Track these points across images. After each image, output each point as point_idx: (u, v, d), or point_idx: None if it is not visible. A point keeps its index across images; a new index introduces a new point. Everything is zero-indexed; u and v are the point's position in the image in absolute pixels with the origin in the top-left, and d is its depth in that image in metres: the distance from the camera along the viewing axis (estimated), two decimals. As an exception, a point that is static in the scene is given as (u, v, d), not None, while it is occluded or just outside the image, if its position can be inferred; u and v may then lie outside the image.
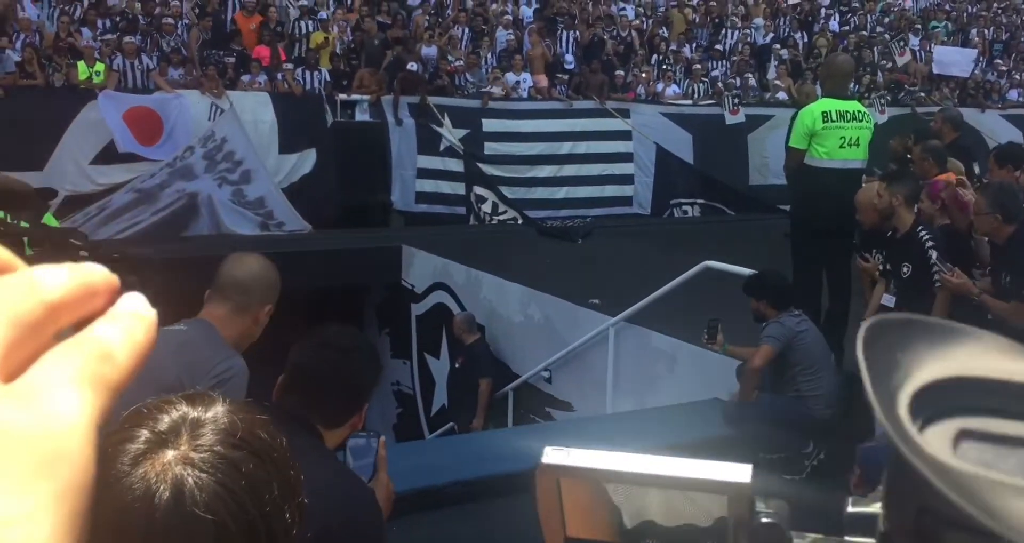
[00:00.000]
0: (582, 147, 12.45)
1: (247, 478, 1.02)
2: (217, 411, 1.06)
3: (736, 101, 13.28)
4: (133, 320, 0.34)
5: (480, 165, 11.78)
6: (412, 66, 11.67)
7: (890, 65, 15.27)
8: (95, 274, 0.34)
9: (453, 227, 11.24)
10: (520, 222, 11.59)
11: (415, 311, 9.41)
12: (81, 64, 10.49)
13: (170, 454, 1.01)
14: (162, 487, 0.98)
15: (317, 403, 2.10)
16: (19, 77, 10.30)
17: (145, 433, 1.02)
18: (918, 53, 15.79)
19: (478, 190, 11.70)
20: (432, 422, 8.99)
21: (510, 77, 12.38)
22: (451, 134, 11.66)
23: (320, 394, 2.10)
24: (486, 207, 11.70)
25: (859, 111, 5.72)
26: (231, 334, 2.55)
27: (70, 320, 0.32)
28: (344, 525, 1.89)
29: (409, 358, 9.48)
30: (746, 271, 5.75)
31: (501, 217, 11.73)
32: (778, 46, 15.10)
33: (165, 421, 1.04)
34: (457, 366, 8.23)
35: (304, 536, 1.09)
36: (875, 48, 15.69)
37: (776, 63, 14.56)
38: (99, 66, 10.55)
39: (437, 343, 8.97)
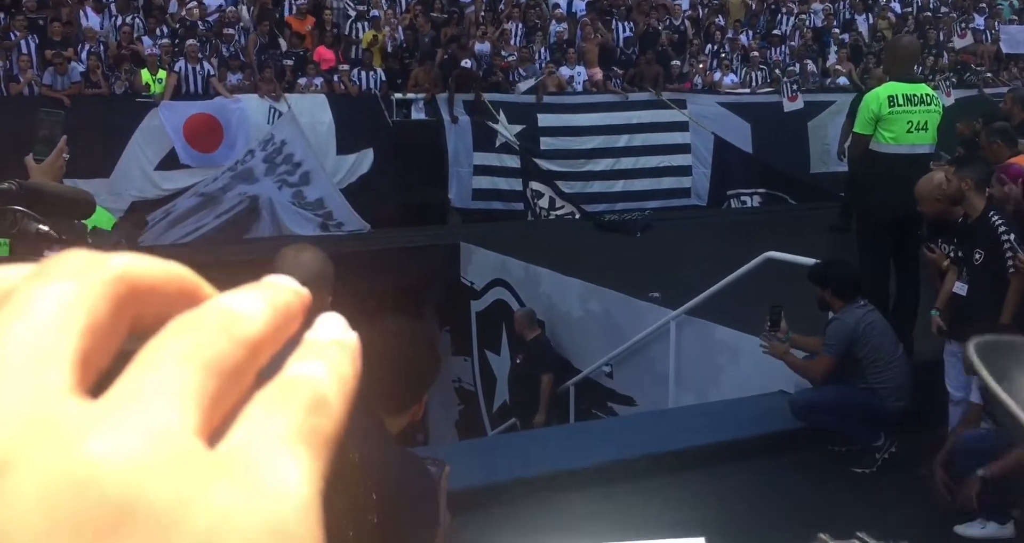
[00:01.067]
0: (638, 139, 12.35)
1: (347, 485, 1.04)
2: None
3: (795, 87, 13.05)
4: (337, 351, 0.28)
5: (536, 160, 11.76)
6: (466, 63, 11.70)
7: (954, 45, 14.87)
8: (290, 294, 0.28)
9: (511, 223, 11.24)
10: (577, 216, 11.54)
11: (475, 308, 9.43)
12: (144, 72, 10.72)
13: None
14: None
15: (378, 389, 2.13)
16: (84, 86, 10.57)
17: None
18: (984, 33, 15.33)
19: (535, 185, 11.68)
20: (494, 419, 9.01)
21: (564, 71, 12.33)
22: (506, 130, 11.65)
23: (381, 381, 2.13)
24: (543, 202, 11.68)
25: (927, 94, 5.56)
26: None
27: (270, 355, 0.27)
28: (400, 507, 1.92)
29: (470, 355, 9.51)
30: (809, 261, 5.64)
31: (558, 212, 11.70)
32: (838, 30, 14.79)
33: None
34: (518, 362, 8.23)
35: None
36: (939, 29, 15.28)
37: (836, 47, 14.27)
38: (161, 73, 10.77)
39: (497, 339, 8.98)
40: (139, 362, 0.24)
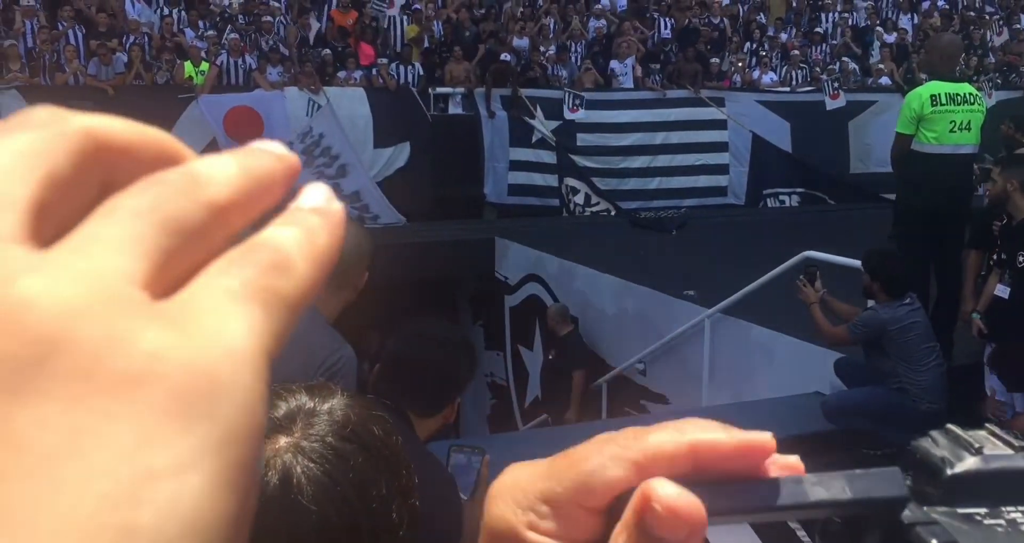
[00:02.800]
0: (676, 137, 12.29)
1: (355, 472, 1.01)
2: (334, 403, 1.06)
3: (836, 86, 12.91)
4: (316, 219, 0.27)
5: (572, 156, 11.75)
6: (505, 57, 11.71)
7: (994, 43, 14.62)
8: (270, 159, 0.28)
9: (546, 219, 11.23)
10: (613, 213, 11.51)
11: (508, 303, 9.44)
12: (188, 64, 10.86)
13: (282, 440, 1.01)
14: (271, 473, 0.98)
15: (411, 391, 2.13)
16: (127, 77, 10.73)
17: None
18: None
19: (570, 181, 11.67)
20: (526, 414, 9.02)
21: (615, 64, 12.30)
22: (543, 125, 11.65)
23: (415, 382, 2.13)
24: (578, 198, 11.66)
25: (970, 93, 5.48)
26: (333, 311, 2.57)
27: (243, 223, 0.26)
28: (431, 525, 1.91)
29: (503, 350, 9.53)
30: (848, 261, 5.58)
31: (594, 208, 11.68)
32: (881, 29, 14.60)
33: (282, 408, 1.04)
34: (550, 358, 8.23)
35: (418, 538, 1.09)
36: (984, 28, 15.03)
37: (879, 46, 14.09)
38: (204, 65, 10.90)
39: (531, 335, 8.99)
40: (94, 216, 0.24)
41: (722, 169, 12.53)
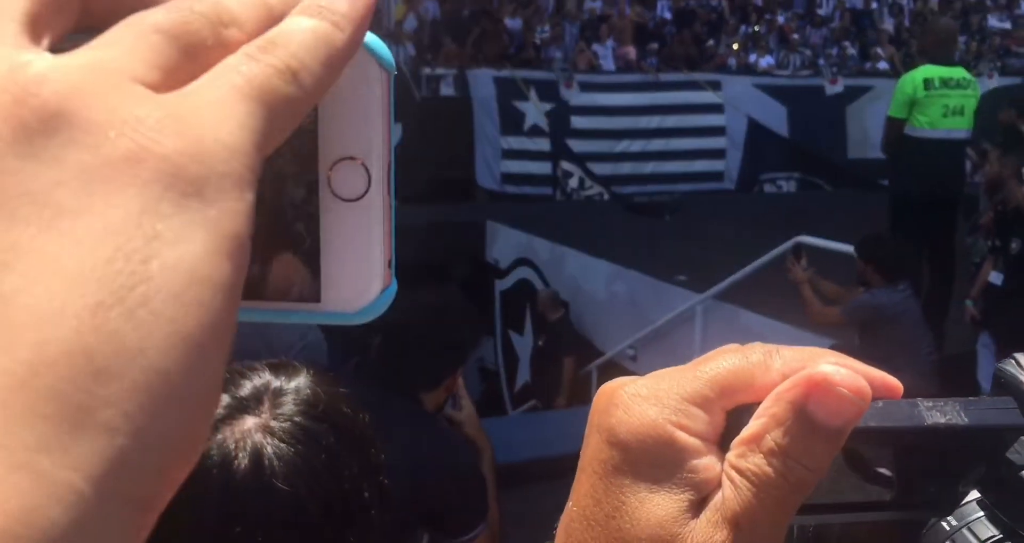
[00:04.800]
0: (671, 121, 12.20)
1: (327, 452, 1.00)
2: (300, 381, 1.05)
3: (834, 70, 12.81)
4: (343, 6, 0.28)
5: (567, 140, 11.66)
6: (500, 38, 11.60)
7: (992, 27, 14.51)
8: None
9: (538, 203, 11.16)
10: (607, 198, 11.44)
11: (499, 287, 9.38)
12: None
13: (250, 421, 0.99)
14: (241, 455, 0.97)
15: (411, 363, 2.08)
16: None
17: (226, 398, 1.00)
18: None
19: (564, 165, 11.59)
20: (516, 398, 8.98)
21: (596, 49, 12.19)
22: (537, 107, 11.55)
23: (414, 353, 2.08)
24: (572, 182, 11.58)
25: (964, 78, 5.40)
26: None
27: (258, 26, 0.28)
28: (447, 493, 1.91)
29: (493, 334, 9.47)
30: (841, 247, 5.50)
31: (587, 192, 11.60)
32: (879, 13, 14.49)
33: (247, 387, 1.02)
34: (541, 343, 8.18)
35: (392, 517, 1.08)
36: (983, 13, 14.92)
37: (877, 30, 13.99)
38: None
39: (521, 319, 8.94)
40: (116, 26, 0.26)
41: (719, 154, 12.44)
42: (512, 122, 11.50)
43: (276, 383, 1.04)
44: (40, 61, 0.25)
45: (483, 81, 11.37)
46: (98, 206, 0.24)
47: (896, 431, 0.42)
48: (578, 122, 11.80)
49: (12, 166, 0.24)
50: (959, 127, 5.37)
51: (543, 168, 11.60)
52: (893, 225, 5.78)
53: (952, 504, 0.45)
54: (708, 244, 8.59)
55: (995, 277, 4.77)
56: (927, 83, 5.32)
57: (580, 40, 12.37)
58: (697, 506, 0.41)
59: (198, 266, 0.24)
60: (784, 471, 0.40)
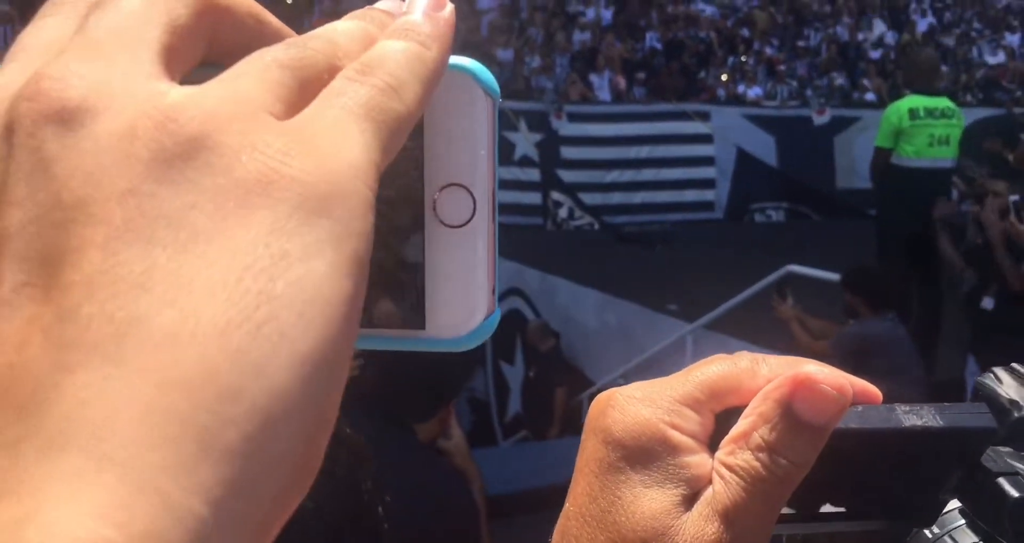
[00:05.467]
0: (661, 151, 12.28)
1: (345, 468, 1.03)
2: None
3: (821, 101, 12.94)
4: (426, 29, 0.31)
5: (557, 170, 11.71)
6: (490, 69, 11.69)
7: (986, 61, 14.69)
8: (382, 16, 0.31)
9: (528, 232, 11.18)
10: (597, 227, 11.47)
11: (490, 317, 9.35)
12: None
13: None
14: None
15: (402, 396, 2.09)
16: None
17: None
18: (1016, 50, 15.14)
19: (555, 195, 11.63)
20: (507, 429, 8.93)
21: (593, 79, 12.30)
22: (527, 138, 11.61)
23: (406, 385, 2.08)
24: (563, 212, 11.62)
25: (948, 108, 5.47)
26: None
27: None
28: (440, 523, 1.91)
29: (483, 364, 9.44)
30: (831, 276, 5.52)
31: (577, 222, 11.63)
32: (867, 45, 14.67)
33: None
34: (532, 374, 8.15)
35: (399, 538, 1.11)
36: (968, 45, 15.11)
37: (864, 63, 14.15)
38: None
39: (511, 349, 8.91)
40: (243, 61, 0.28)
41: (708, 184, 12.51)
42: (502, 153, 11.49)
43: None
44: (176, 91, 0.26)
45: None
46: (230, 227, 0.25)
47: (874, 433, 0.43)
48: (568, 152, 11.87)
49: (150, 189, 0.25)
50: (945, 156, 5.43)
51: (533, 198, 11.64)
52: (881, 253, 5.81)
53: (934, 513, 0.45)
54: (698, 273, 8.60)
55: (987, 302, 4.79)
56: (912, 113, 5.38)
57: (571, 71, 12.47)
58: (689, 501, 0.43)
59: (322, 285, 0.25)
60: (771, 466, 0.42)
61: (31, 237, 0.24)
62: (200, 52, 0.29)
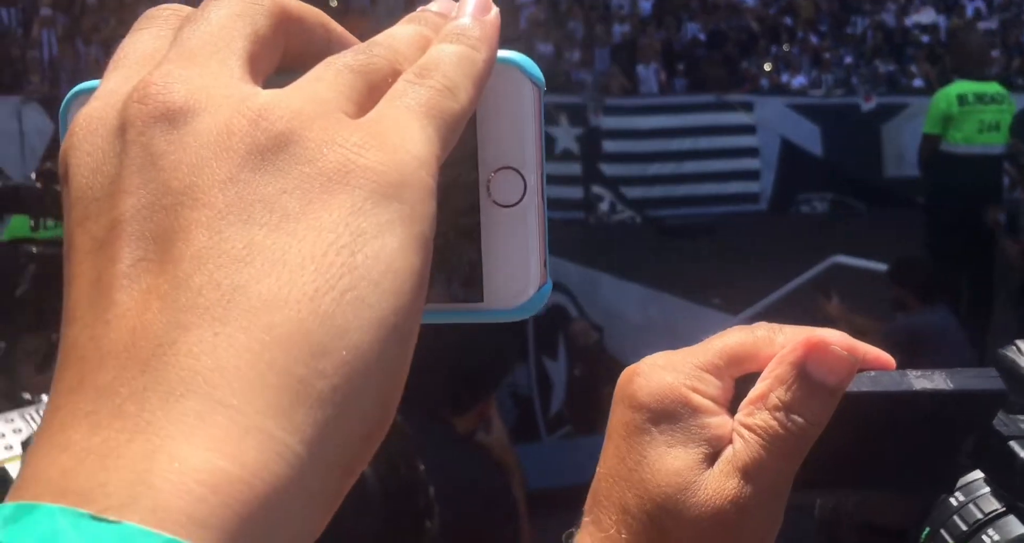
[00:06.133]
0: (703, 142, 12.15)
1: (401, 450, 1.08)
2: None
3: (868, 89, 12.71)
4: (476, 32, 0.34)
5: (598, 164, 11.65)
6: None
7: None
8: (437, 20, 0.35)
9: (569, 227, 11.14)
10: (639, 221, 11.40)
11: (532, 312, 9.35)
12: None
13: None
14: None
15: (439, 388, 2.10)
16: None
17: None
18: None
19: (595, 189, 11.58)
20: (550, 424, 8.91)
21: (639, 70, 12.21)
22: (567, 133, 11.57)
23: (440, 379, 2.09)
24: (603, 206, 11.56)
25: (998, 93, 5.34)
26: None
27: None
28: (479, 517, 1.94)
29: (526, 360, 9.43)
30: (879, 267, 5.42)
31: (619, 216, 11.56)
32: (915, 31, 14.38)
33: None
34: (575, 369, 8.13)
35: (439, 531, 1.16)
36: (1021, 29, 14.74)
37: (913, 49, 13.87)
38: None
39: (554, 345, 8.88)
40: (317, 67, 0.32)
41: (753, 175, 12.36)
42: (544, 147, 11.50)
43: None
44: (265, 93, 0.30)
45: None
46: (315, 209, 0.28)
47: (886, 395, 0.45)
48: (609, 146, 11.80)
49: (247, 177, 0.29)
50: (995, 142, 5.30)
51: (574, 192, 11.59)
52: (929, 243, 5.68)
53: (952, 480, 0.47)
54: (742, 266, 8.49)
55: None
56: (961, 99, 5.26)
57: (612, 63, 12.39)
58: (711, 459, 0.47)
59: (395, 258, 0.29)
60: (788, 424, 0.45)
61: (144, 220, 0.28)
62: (278, 58, 0.33)
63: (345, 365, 0.27)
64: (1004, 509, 0.45)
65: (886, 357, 0.48)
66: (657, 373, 0.48)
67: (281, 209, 0.28)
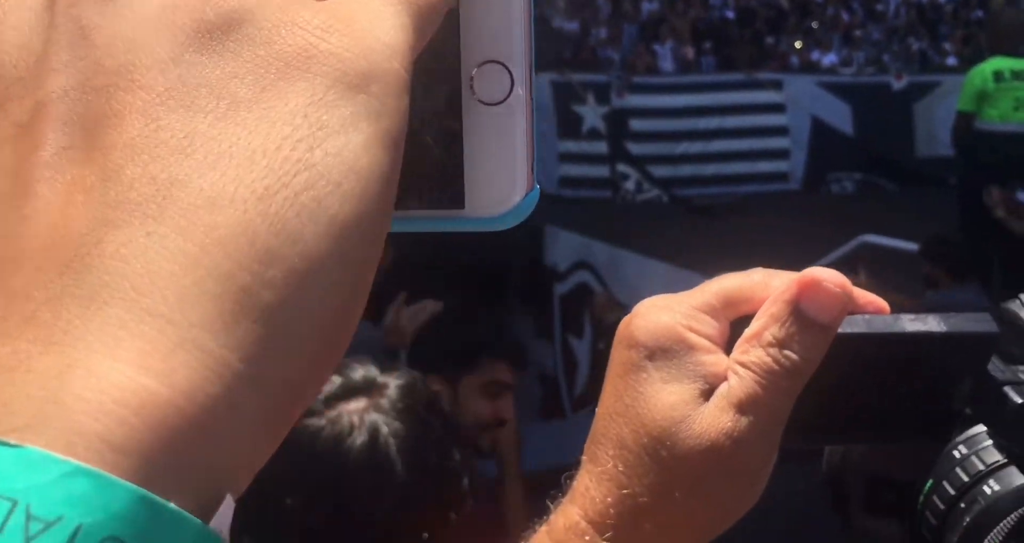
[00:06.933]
0: (731, 121, 12.04)
1: (435, 436, 1.07)
2: (406, 376, 1.13)
3: (899, 66, 12.53)
4: None
5: (625, 143, 11.59)
6: (556, 41, 11.59)
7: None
8: None
9: (596, 205, 11.12)
10: (665, 200, 11.34)
11: (558, 291, 9.35)
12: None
13: (364, 401, 1.05)
14: (357, 431, 1.01)
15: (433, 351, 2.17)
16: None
17: (338, 379, 1.07)
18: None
19: (621, 168, 11.52)
20: (576, 402, 8.93)
21: (656, 49, 12.10)
22: (594, 111, 11.50)
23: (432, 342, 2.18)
24: (629, 184, 11.51)
25: (1035, 70, 5.23)
26: None
27: None
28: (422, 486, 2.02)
29: (552, 339, 9.44)
30: (909, 246, 5.36)
31: (645, 195, 11.51)
32: (948, 7, 14.13)
33: (358, 373, 1.10)
34: (600, 347, 8.13)
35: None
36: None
37: (947, 26, 13.64)
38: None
39: (580, 323, 8.89)
40: None
41: (783, 154, 12.24)
42: (569, 126, 11.46)
43: (382, 375, 1.10)
44: None
45: (539, 85, 11.33)
46: (270, 98, 0.25)
47: (879, 336, 0.45)
48: (637, 124, 11.72)
49: (192, 58, 0.25)
50: (1032, 120, 5.20)
51: (601, 171, 11.54)
52: (962, 223, 5.61)
53: (946, 428, 0.47)
54: (770, 246, 8.40)
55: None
56: (997, 75, 5.17)
57: (639, 41, 12.28)
58: (706, 395, 0.47)
59: (359, 156, 0.26)
60: (782, 360, 0.46)
61: (73, 102, 0.25)
62: None
63: (297, 274, 0.24)
64: (1006, 460, 0.45)
65: (881, 301, 0.49)
66: (654, 313, 0.49)
67: (230, 95, 0.25)
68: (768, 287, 0.49)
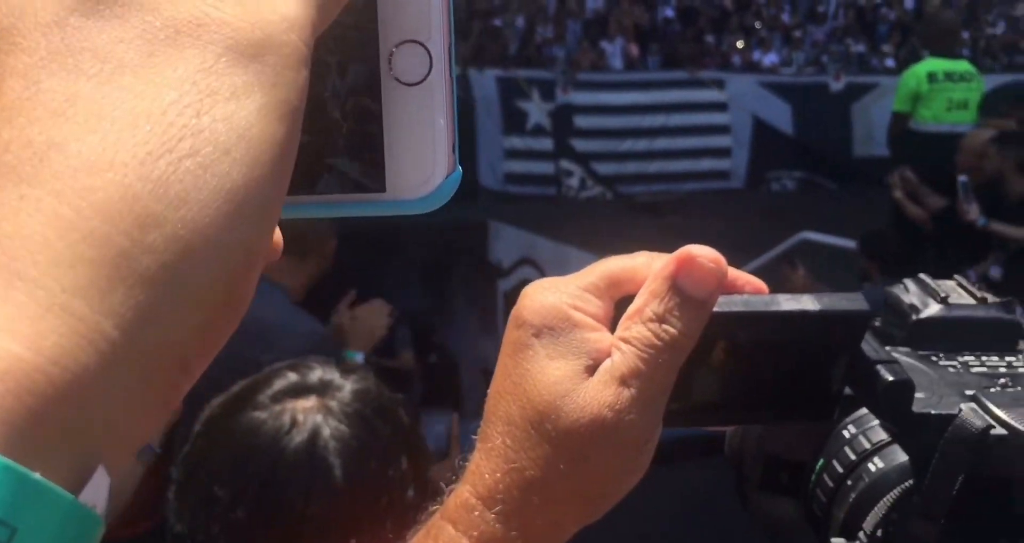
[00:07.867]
0: (675, 119, 12.15)
1: (380, 442, 1.03)
2: (363, 379, 1.11)
3: (838, 67, 12.76)
4: None
5: (570, 140, 11.62)
6: (502, 38, 11.57)
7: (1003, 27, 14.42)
8: None
9: (540, 202, 11.14)
10: (609, 197, 11.41)
11: (502, 287, 9.34)
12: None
13: (313, 400, 1.03)
14: (298, 429, 1.00)
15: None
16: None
17: (293, 376, 1.06)
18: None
19: (565, 164, 11.56)
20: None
21: (604, 46, 12.16)
22: (539, 107, 11.51)
23: None
24: (573, 181, 11.55)
25: (967, 71, 5.37)
26: (300, 285, 2.46)
27: None
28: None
29: (496, 334, 9.43)
30: (847, 244, 5.46)
31: (588, 193, 11.56)
32: (885, 9, 14.42)
33: (315, 373, 1.08)
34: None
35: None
36: (992, 8, 14.84)
37: (884, 28, 13.92)
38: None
39: (524, 319, 8.91)
40: None
41: (724, 152, 12.39)
42: (515, 122, 11.45)
43: (338, 377, 1.09)
44: None
45: (485, 82, 11.33)
46: (158, 64, 0.25)
47: (756, 316, 0.46)
48: (581, 121, 11.76)
49: (77, 22, 0.25)
50: (963, 121, 5.33)
51: (546, 168, 11.56)
52: (898, 221, 5.72)
53: (830, 407, 0.47)
54: (712, 242, 8.46)
55: (994, 271, 4.71)
56: (931, 77, 5.28)
57: (584, 38, 12.31)
58: (591, 370, 0.48)
59: (251, 124, 0.25)
60: (662, 334, 0.47)
61: None
62: None
63: (179, 240, 0.23)
64: (890, 440, 0.46)
65: (759, 282, 0.50)
66: (540, 294, 0.50)
67: (116, 60, 0.25)
68: (649, 268, 0.50)
